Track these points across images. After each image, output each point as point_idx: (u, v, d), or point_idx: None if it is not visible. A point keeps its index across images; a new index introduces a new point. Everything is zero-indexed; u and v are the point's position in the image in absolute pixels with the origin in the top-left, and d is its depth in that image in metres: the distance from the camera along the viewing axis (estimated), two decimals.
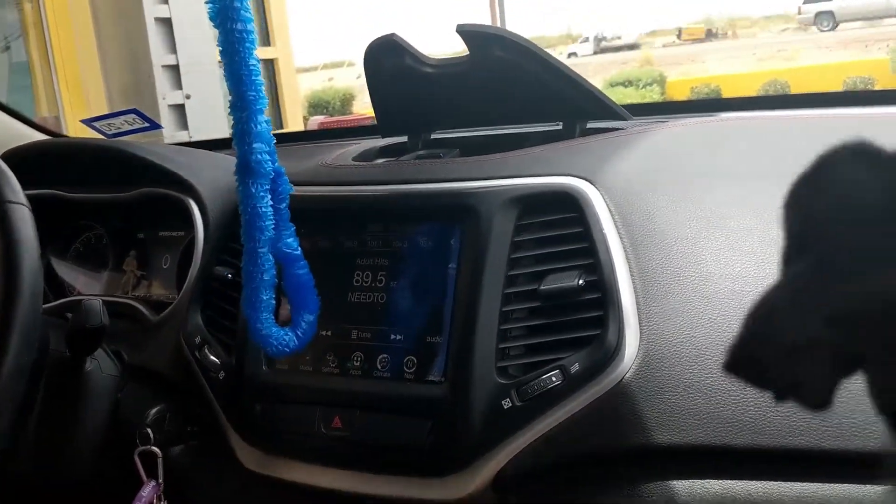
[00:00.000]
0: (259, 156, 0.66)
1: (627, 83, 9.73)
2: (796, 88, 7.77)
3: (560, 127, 0.99)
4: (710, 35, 15.18)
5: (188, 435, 0.93)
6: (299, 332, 0.74)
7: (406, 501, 0.77)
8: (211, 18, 0.64)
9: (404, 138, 1.06)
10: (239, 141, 0.66)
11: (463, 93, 0.98)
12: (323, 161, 0.97)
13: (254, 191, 0.66)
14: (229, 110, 0.65)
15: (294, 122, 4.31)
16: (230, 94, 0.65)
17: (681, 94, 9.30)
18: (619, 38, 15.62)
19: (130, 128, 1.30)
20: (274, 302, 0.73)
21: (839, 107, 1.05)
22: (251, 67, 0.63)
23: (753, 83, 8.43)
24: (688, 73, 11.06)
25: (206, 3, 0.63)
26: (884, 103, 1.01)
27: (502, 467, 0.73)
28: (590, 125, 0.98)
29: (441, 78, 0.96)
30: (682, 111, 1.11)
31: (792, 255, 0.36)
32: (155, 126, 1.33)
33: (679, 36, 15.23)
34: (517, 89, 0.95)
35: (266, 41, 4.07)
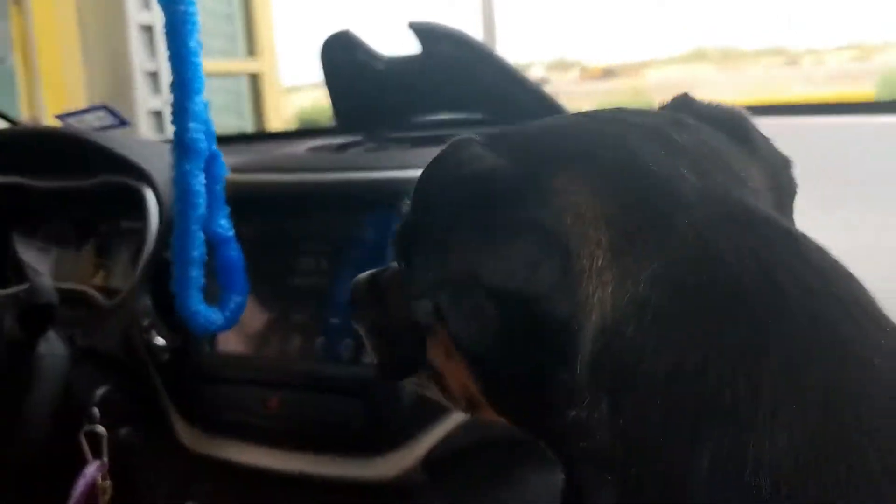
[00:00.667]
0: (194, 134, 0.67)
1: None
2: None
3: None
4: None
5: (135, 416, 0.94)
6: (227, 313, 0.75)
7: (339, 480, 0.79)
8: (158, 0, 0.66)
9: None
10: (176, 119, 0.68)
11: (416, 90, 1.00)
12: (278, 152, 0.99)
13: (187, 168, 0.68)
14: (169, 89, 0.67)
15: None
16: (171, 74, 0.67)
17: None
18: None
19: (101, 124, 1.32)
20: (203, 280, 0.73)
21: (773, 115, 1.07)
22: (190, 48, 0.66)
23: None
24: None
25: None
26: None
27: (431, 447, 0.74)
28: None
29: (394, 74, 0.98)
30: None
31: None
32: (123, 123, 1.35)
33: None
34: (467, 88, 0.98)
35: (252, 55, 4.08)
